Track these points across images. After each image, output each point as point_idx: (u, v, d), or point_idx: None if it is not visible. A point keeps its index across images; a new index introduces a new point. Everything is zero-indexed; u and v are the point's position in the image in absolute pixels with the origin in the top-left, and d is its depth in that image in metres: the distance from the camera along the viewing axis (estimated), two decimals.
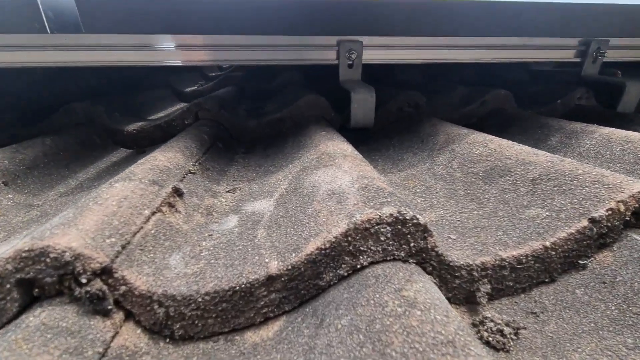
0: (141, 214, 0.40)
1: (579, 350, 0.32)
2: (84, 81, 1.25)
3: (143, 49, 0.72)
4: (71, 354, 0.26)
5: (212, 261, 0.38)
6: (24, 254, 0.29)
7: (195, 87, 1.78)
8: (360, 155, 0.58)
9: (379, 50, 0.96)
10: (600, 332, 0.33)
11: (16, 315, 0.30)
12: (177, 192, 0.50)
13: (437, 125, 0.83)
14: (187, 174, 0.58)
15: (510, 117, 1.03)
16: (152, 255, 0.37)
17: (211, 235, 0.45)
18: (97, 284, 0.30)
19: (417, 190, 0.60)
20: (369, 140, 0.97)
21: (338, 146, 0.61)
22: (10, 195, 0.56)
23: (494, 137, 0.67)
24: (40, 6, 0.51)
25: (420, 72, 1.66)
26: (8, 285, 0.29)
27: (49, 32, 0.52)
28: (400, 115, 1.06)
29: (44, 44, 0.53)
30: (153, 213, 0.42)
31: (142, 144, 0.95)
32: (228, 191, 0.61)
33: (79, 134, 0.84)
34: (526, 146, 0.60)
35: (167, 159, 0.57)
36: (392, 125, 1.04)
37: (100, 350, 0.28)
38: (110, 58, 0.79)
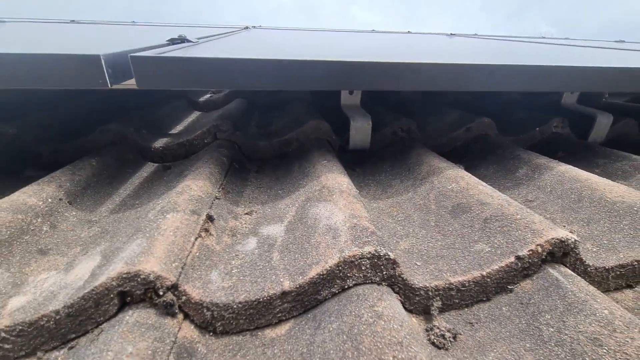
0: (189, 241, 0.54)
1: (494, 351, 0.47)
2: (110, 97, 1.39)
3: None
4: (158, 341, 0.41)
5: (241, 278, 0.53)
6: (124, 275, 0.43)
7: (208, 95, 1.91)
8: (354, 190, 0.72)
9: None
10: (511, 339, 0.48)
11: (115, 314, 0.44)
12: (210, 219, 0.64)
13: (422, 155, 0.97)
14: (214, 200, 0.72)
15: (491, 145, 1.17)
16: (199, 273, 0.51)
17: (237, 255, 0.59)
18: (170, 296, 0.45)
19: (399, 219, 0.74)
20: (365, 163, 1.11)
21: (336, 180, 0.75)
22: (74, 213, 0.71)
23: (465, 174, 0.81)
24: (104, 65, 0.65)
25: (417, 94, 1.79)
26: (112, 295, 0.43)
27: (109, 87, 0.66)
28: (394, 138, 1.20)
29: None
30: (196, 239, 0.56)
31: (167, 159, 1.09)
32: (246, 213, 0.76)
33: (116, 152, 0.98)
34: (488, 186, 0.74)
35: (199, 187, 0.71)
36: (386, 148, 1.18)
37: (173, 339, 0.43)
38: None
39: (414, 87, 0.78)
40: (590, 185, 0.78)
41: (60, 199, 0.70)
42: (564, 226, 0.71)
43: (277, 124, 1.37)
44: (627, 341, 0.41)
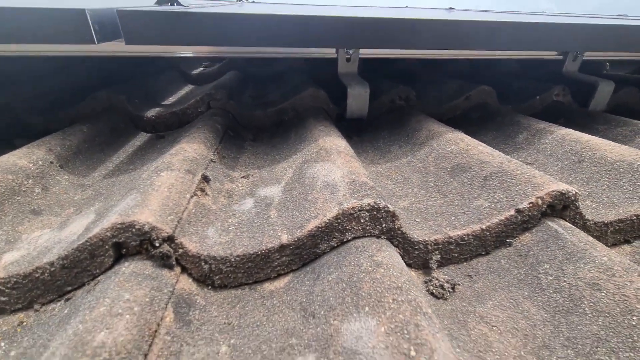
0: (185, 197, 0.53)
1: (493, 299, 0.47)
2: (103, 67, 1.35)
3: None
4: (156, 290, 0.40)
5: (239, 234, 0.52)
6: (118, 225, 0.42)
7: (201, 68, 1.86)
8: (352, 151, 0.71)
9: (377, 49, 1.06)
10: (510, 288, 0.48)
11: (111, 266, 0.44)
12: (205, 179, 0.63)
13: (422, 121, 0.96)
14: (209, 163, 0.71)
15: (490, 112, 1.15)
16: (196, 228, 0.51)
17: (234, 214, 0.58)
18: (166, 247, 0.44)
19: (397, 180, 0.73)
20: (363, 131, 1.09)
21: (334, 142, 0.73)
22: (66, 177, 0.69)
23: (465, 136, 0.80)
24: (89, 20, 0.62)
25: (416, 64, 1.75)
26: (107, 247, 0.43)
27: (96, 43, 0.63)
28: (392, 107, 1.18)
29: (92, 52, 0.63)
30: (191, 196, 0.55)
31: (160, 129, 1.06)
32: (242, 177, 0.74)
33: (108, 120, 0.96)
34: (488, 147, 0.73)
35: (193, 150, 0.69)
36: (384, 117, 1.16)
37: (171, 289, 0.43)
38: (136, 50, 0.90)
39: (413, 47, 0.76)
40: (590, 146, 0.77)
41: (51, 162, 0.68)
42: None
43: (273, 94, 1.34)
44: (626, 284, 0.41)
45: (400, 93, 1.16)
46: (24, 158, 0.64)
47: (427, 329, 0.34)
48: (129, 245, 0.43)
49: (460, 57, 1.21)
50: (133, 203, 0.46)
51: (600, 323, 0.39)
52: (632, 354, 0.35)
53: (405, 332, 0.33)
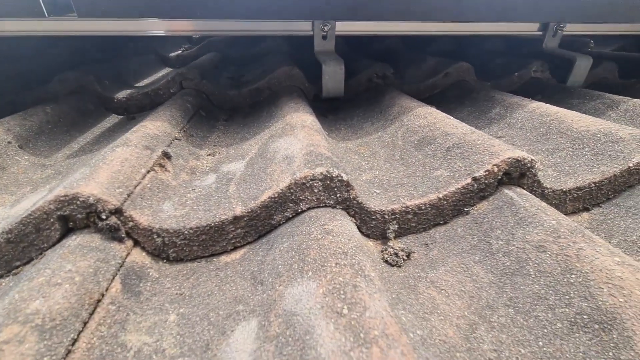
0: (139, 172, 0.52)
1: (445, 265, 0.48)
2: (74, 49, 1.30)
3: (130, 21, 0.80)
4: (101, 261, 0.40)
5: (195, 207, 0.52)
6: (61, 198, 0.41)
7: (180, 51, 1.82)
8: (318, 126, 0.70)
9: (353, 22, 1.03)
10: (462, 254, 0.49)
11: (58, 240, 0.43)
12: (166, 155, 0.62)
13: (395, 98, 0.95)
14: (173, 140, 0.70)
15: (468, 89, 1.15)
16: (149, 202, 0.50)
17: (194, 189, 0.58)
18: (113, 219, 0.43)
19: (365, 155, 0.73)
20: (339, 110, 1.08)
21: (300, 117, 0.72)
22: (26, 157, 0.68)
23: (434, 110, 0.79)
24: None
25: (397, 42, 1.72)
26: (51, 220, 0.42)
27: (46, 15, 0.60)
28: (369, 85, 1.17)
29: (43, 29, 0.61)
30: (148, 171, 0.54)
31: (132, 111, 1.04)
32: (209, 154, 0.73)
33: (74, 102, 0.93)
34: (455, 119, 0.72)
35: (156, 127, 0.68)
36: (362, 95, 1.14)
37: (120, 262, 0.42)
38: (98, 28, 0.87)
39: (389, 19, 0.74)
40: (559, 118, 0.77)
41: (9, 142, 0.67)
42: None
43: (250, 74, 1.32)
44: (570, 245, 0.41)
45: (377, 71, 1.15)
46: None
47: (365, 289, 0.34)
48: (75, 218, 0.43)
49: (440, 32, 1.19)
50: (80, 177, 0.45)
51: (542, 282, 0.40)
52: (567, 310, 0.36)
53: (342, 292, 0.34)
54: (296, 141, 0.60)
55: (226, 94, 1.06)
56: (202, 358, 0.35)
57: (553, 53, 1.34)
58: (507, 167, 0.53)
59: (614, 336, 0.33)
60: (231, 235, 0.49)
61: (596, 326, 0.34)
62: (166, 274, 0.47)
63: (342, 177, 0.48)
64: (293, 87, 1.07)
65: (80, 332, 0.34)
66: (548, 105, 0.85)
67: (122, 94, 1.03)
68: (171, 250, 0.48)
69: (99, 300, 0.37)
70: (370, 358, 0.28)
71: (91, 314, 0.36)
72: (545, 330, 0.36)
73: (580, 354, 0.33)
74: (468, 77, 1.23)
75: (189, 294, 0.44)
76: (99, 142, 0.80)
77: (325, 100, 1.12)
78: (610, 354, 0.32)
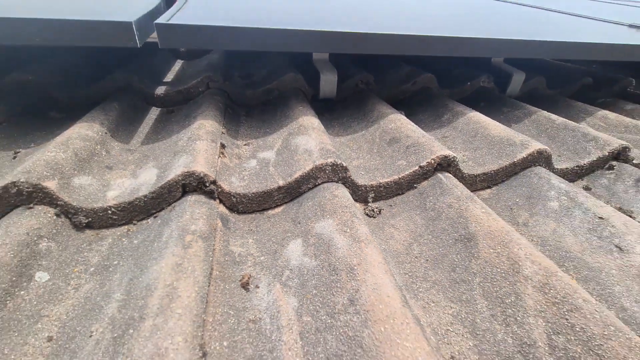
0: (215, 158, 0.83)
1: (400, 216, 0.83)
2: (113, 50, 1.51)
3: None
4: (210, 209, 0.72)
5: (251, 181, 0.83)
6: (185, 173, 0.72)
7: None
8: (323, 128, 1.02)
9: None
10: (410, 210, 0.84)
11: (180, 198, 0.74)
12: (223, 146, 0.93)
13: (376, 104, 1.28)
14: (221, 134, 1.00)
15: (430, 96, 1.49)
16: (224, 177, 0.81)
17: (245, 169, 0.89)
18: (212, 186, 0.75)
19: (353, 148, 1.07)
20: (333, 109, 1.39)
21: (310, 120, 1.04)
22: (116, 144, 0.96)
23: (402, 117, 1.13)
24: (135, 30, 0.86)
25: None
26: (178, 186, 0.73)
27: (139, 45, 0.87)
28: (356, 90, 1.49)
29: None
30: (218, 157, 0.85)
31: (168, 105, 1.31)
32: (245, 145, 1.04)
33: (128, 98, 1.19)
34: (414, 125, 1.07)
35: (210, 125, 0.98)
36: (350, 98, 1.46)
37: (217, 210, 0.74)
38: None
39: (372, 51, 1.06)
40: (484, 125, 1.13)
41: (105, 132, 0.94)
42: (461, 152, 1.07)
43: (258, 74, 1.59)
44: (463, 204, 0.78)
45: (362, 79, 1.46)
46: (89, 130, 0.89)
47: (357, 223, 0.69)
48: (190, 185, 0.74)
49: (413, 54, 1.52)
50: (188, 161, 0.76)
51: (446, 222, 0.76)
52: (454, 234, 0.73)
53: (347, 224, 0.68)
54: (311, 140, 0.92)
55: (244, 93, 1.35)
56: (274, 257, 0.69)
57: (499, 67, 1.71)
58: (439, 160, 0.88)
59: (472, 245, 0.69)
60: (275, 198, 0.82)
61: (466, 241, 0.71)
62: (239, 220, 0.79)
63: (342, 164, 0.82)
64: (297, 90, 1.37)
65: (214, 241, 0.66)
66: (480, 115, 1.21)
67: (159, 90, 1.29)
68: (240, 206, 0.80)
69: (215, 228, 0.69)
70: (360, 249, 0.62)
71: (214, 233, 0.68)
72: (444, 244, 0.72)
73: (458, 254, 0.70)
74: (431, 85, 1.58)
75: (255, 230, 0.76)
76: (158, 132, 1.08)
77: (321, 100, 1.43)
78: (469, 252, 0.69)
